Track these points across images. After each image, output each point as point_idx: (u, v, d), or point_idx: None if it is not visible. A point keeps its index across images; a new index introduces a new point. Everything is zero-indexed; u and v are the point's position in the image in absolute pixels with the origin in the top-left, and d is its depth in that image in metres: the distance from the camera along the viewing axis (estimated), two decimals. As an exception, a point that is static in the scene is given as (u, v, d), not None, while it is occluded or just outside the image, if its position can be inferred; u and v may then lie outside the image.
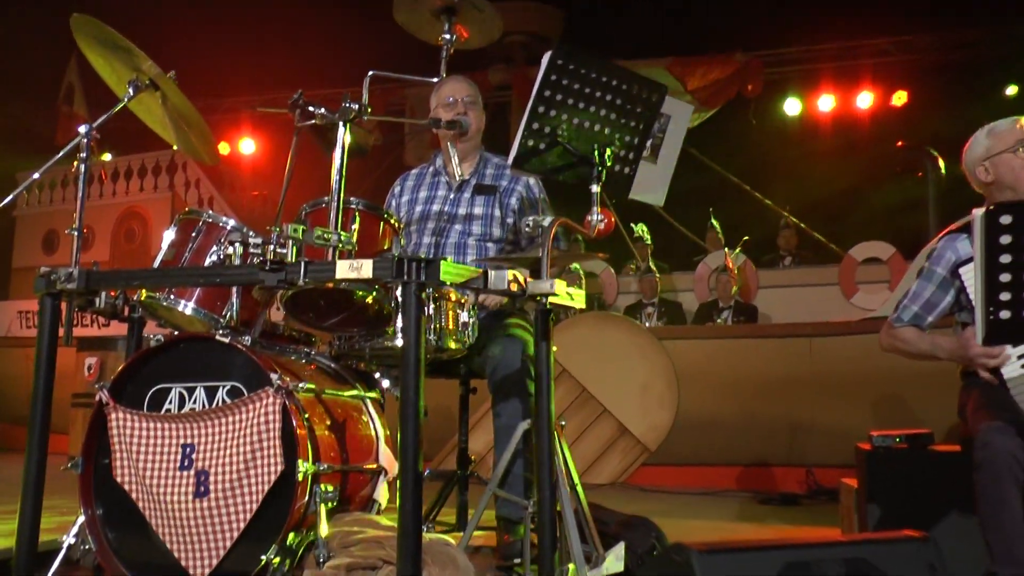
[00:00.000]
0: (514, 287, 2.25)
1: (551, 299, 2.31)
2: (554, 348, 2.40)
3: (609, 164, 2.54)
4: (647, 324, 8.11)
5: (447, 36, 2.68)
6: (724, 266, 8.51)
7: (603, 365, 6.41)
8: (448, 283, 2.20)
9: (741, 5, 9.51)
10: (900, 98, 10.88)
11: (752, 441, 6.25)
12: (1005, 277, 2.06)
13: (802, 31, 10.74)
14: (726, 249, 8.90)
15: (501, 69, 11.55)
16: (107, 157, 11.26)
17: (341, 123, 2.33)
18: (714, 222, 9.73)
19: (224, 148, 12.79)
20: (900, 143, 9.94)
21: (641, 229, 9.35)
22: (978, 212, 2.06)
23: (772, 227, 9.84)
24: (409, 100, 11.76)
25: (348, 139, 2.32)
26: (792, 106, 11.13)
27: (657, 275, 8.66)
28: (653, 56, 10.73)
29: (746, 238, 9.06)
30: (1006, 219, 2.00)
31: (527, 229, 2.42)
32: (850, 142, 10.91)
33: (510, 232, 3.42)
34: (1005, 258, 2.04)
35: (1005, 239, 2.02)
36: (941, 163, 9.38)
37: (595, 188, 2.49)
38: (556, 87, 2.43)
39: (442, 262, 2.17)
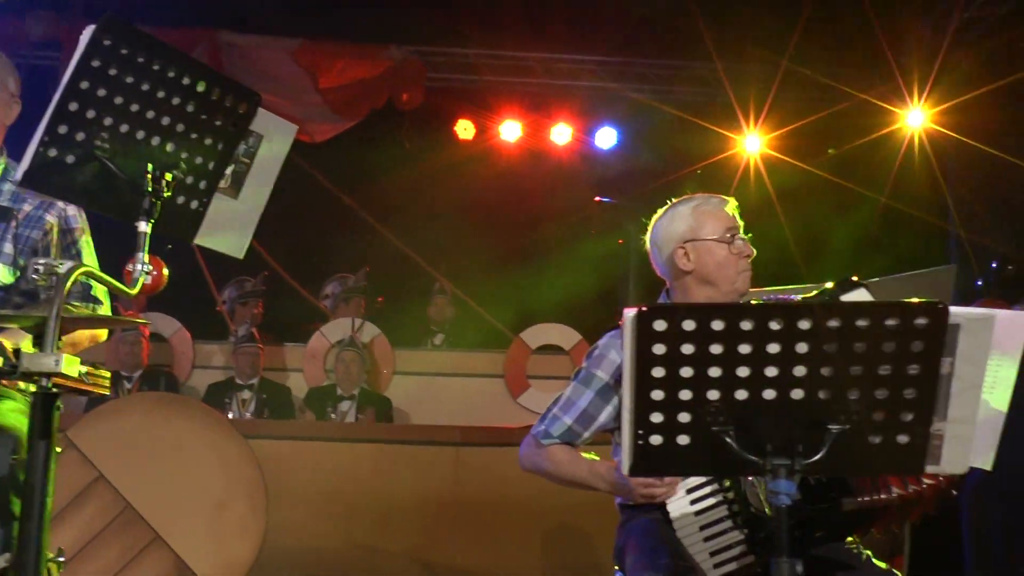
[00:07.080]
0: (-2, 360, 2.24)
1: (57, 380, 2.30)
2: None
3: (168, 194, 2.61)
4: (237, 414, 8.13)
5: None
6: (350, 339, 8.70)
7: (160, 472, 6.32)
8: None
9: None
10: (607, 137, 11.43)
11: (367, 588, 6.39)
12: (657, 395, 2.35)
13: (486, 29, 10.83)
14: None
15: (45, 16, 10.92)
16: None
17: None
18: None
19: None
20: (598, 198, 10.61)
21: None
22: (628, 313, 2.34)
23: (421, 293, 10.23)
24: None
25: None
26: (464, 129, 11.42)
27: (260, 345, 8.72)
28: (278, 33, 10.70)
29: (379, 298, 9.28)
30: (660, 326, 2.29)
31: (34, 276, 2.43)
32: (536, 188, 11.33)
33: (25, 281, 3.40)
34: (658, 372, 2.33)
35: (658, 349, 2.31)
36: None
37: (143, 226, 2.56)
38: (99, 78, 2.48)
39: None
